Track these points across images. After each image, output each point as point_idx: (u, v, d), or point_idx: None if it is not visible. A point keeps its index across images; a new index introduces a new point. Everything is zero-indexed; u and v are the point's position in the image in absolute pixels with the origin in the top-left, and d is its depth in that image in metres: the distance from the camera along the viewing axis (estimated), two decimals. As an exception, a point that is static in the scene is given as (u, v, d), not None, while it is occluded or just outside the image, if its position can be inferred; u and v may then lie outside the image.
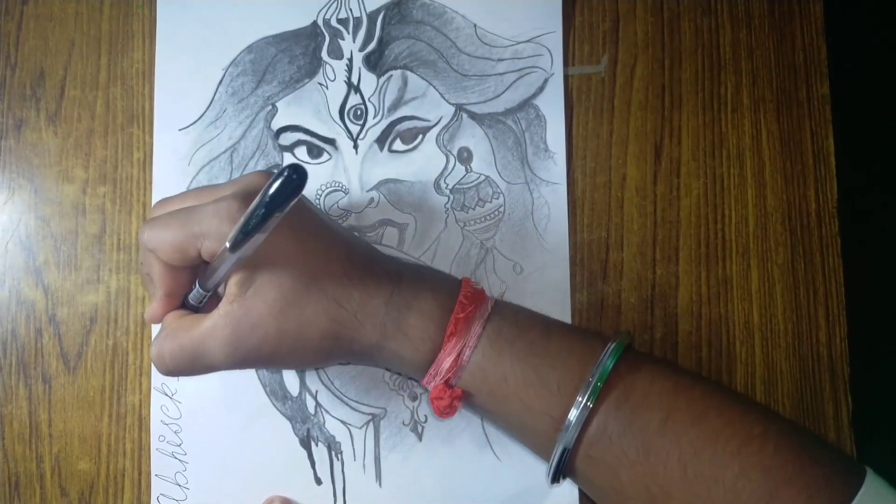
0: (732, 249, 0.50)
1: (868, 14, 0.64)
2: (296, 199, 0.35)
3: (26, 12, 0.51)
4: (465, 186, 0.50)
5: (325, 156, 0.50)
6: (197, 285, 0.40)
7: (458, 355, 0.38)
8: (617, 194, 0.50)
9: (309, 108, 0.50)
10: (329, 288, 0.38)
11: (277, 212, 0.35)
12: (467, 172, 0.50)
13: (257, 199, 0.34)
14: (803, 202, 0.50)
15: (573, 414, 0.37)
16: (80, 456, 0.49)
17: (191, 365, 0.39)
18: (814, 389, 0.49)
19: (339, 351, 0.40)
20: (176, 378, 0.48)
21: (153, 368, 0.49)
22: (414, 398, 0.49)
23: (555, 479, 0.39)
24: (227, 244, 0.35)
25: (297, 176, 0.34)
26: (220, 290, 0.40)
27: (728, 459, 0.35)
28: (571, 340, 0.40)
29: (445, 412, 0.39)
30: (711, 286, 0.50)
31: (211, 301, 0.41)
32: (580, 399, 0.37)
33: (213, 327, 0.38)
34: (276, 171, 0.36)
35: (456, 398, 0.39)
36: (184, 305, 0.41)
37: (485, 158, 0.50)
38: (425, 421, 0.49)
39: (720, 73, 0.51)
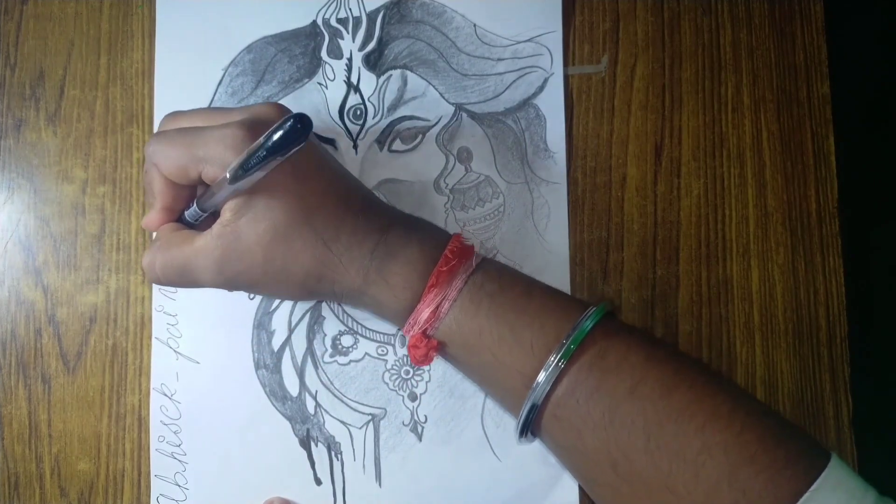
0: (733, 249, 0.50)
1: (868, 14, 0.64)
2: (298, 148, 0.36)
3: (26, 12, 0.51)
4: (465, 186, 0.50)
5: (325, 156, 0.50)
6: (195, 204, 0.41)
7: (437, 307, 0.39)
8: (617, 194, 0.50)
9: (308, 107, 0.50)
10: (320, 227, 0.39)
11: (279, 156, 0.36)
12: (467, 172, 0.50)
13: (260, 141, 0.35)
14: (803, 202, 0.50)
15: (543, 373, 0.37)
16: (79, 456, 0.49)
17: (178, 278, 0.41)
18: (814, 389, 0.49)
19: (320, 290, 0.41)
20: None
21: (153, 370, 0.49)
22: (414, 398, 0.49)
23: (522, 434, 0.39)
24: (227, 175, 0.36)
25: (301, 126, 0.35)
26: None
27: (692, 434, 0.36)
28: (552, 301, 0.40)
29: (421, 361, 0.40)
30: (712, 286, 0.50)
31: (207, 219, 0.42)
32: (552, 359, 0.37)
33: (203, 247, 0.39)
34: (287, 111, 0.39)
35: (432, 348, 0.40)
36: (180, 220, 0.42)
37: (484, 158, 0.50)
38: (425, 421, 0.49)
39: (720, 72, 0.51)
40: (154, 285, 0.49)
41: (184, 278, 0.40)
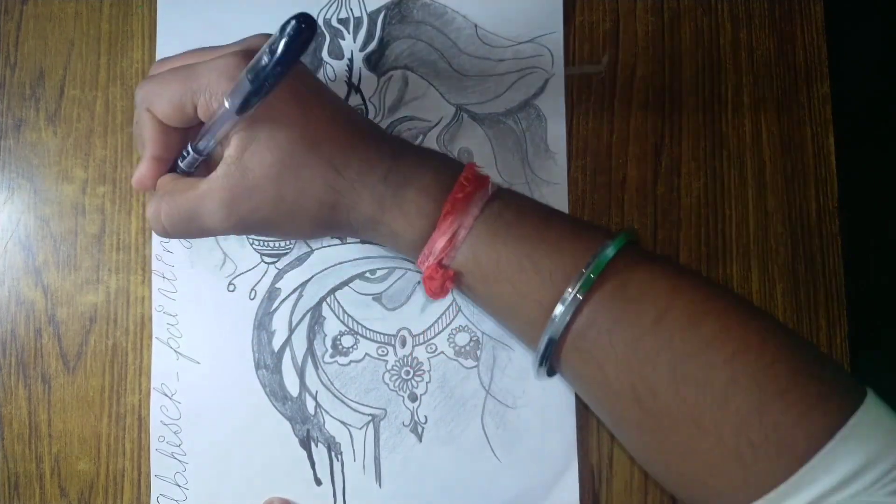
0: (732, 249, 0.50)
1: (868, 14, 0.64)
2: (305, 50, 0.33)
3: (26, 12, 0.51)
4: (466, 186, 0.50)
5: (325, 156, 0.50)
6: (189, 149, 0.39)
7: (453, 236, 0.37)
8: (617, 194, 0.50)
9: (309, 108, 0.50)
10: (329, 154, 0.38)
11: (286, 65, 0.33)
12: (467, 172, 0.50)
13: (264, 50, 0.33)
14: (803, 202, 0.50)
15: (561, 305, 0.36)
16: (79, 456, 0.49)
17: (185, 226, 0.39)
18: (814, 389, 0.49)
19: (335, 222, 0.39)
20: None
21: (153, 369, 0.49)
22: (414, 399, 0.49)
23: (541, 365, 0.38)
24: (227, 103, 0.35)
25: (306, 25, 0.32)
26: (216, 151, 0.39)
27: (720, 366, 0.34)
28: (572, 230, 0.38)
29: (437, 293, 0.39)
30: (712, 286, 0.50)
31: (201, 168, 0.40)
32: (570, 290, 0.36)
33: (210, 189, 0.38)
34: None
35: (448, 279, 0.38)
36: (173, 171, 0.41)
37: (485, 159, 0.50)
38: (425, 422, 0.49)
39: (720, 73, 0.51)
40: (154, 285, 0.49)
41: (191, 225, 0.39)
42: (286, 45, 0.32)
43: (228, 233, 0.40)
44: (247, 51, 0.37)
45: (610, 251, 0.36)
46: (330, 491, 0.48)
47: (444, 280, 0.38)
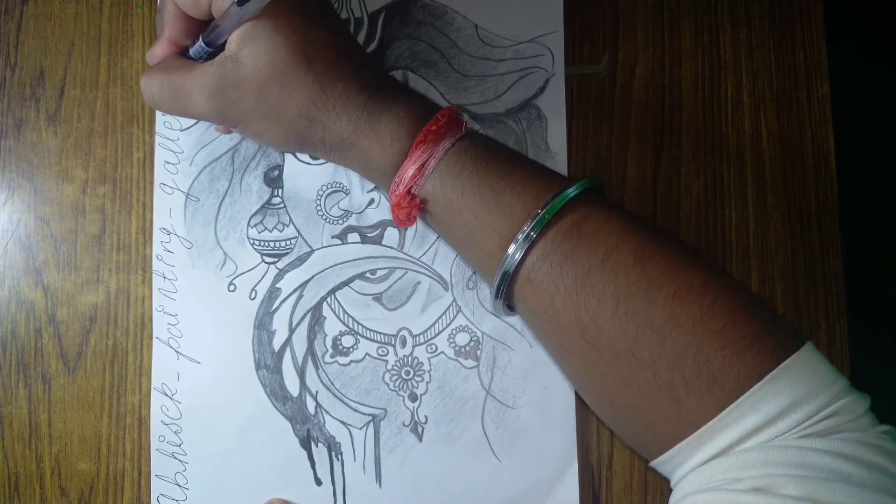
0: (732, 249, 0.50)
1: (868, 14, 0.64)
2: None
3: (26, 12, 0.51)
4: (466, 186, 0.50)
5: (326, 156, 0.50)
6: (200, 39, 0.41)
7: (423, 165, 0.39)
8: (617, 194, 0.50)
9: (309, 108, 0.50)
10: (318, 71, 0.39)
11: None
12: (468, 172, 0.50)
13: None
14: (803, 202, 0.50)
15: (515, 243, 0.38)
16: (79, 456, 0.49)
17: (171, 101, 0.41)
18: (814, 389, 0.49)
19: (309, 137, 0.41)
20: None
21: (153, 370, 0.49)
22: (414, 399, 0.49)
23: (497, 297, 0.40)
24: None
25: None
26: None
27: (661, 303, 0.36)
28: (535, 172, 0.40)
29: (404, 221, 0.41)
30: (712, 286, 0.50)
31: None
32: (525, 228, 0.37)
33: (201, 72, 0.40)
34: None
35: (415, 207, 0.40)
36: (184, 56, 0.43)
37: (485, 158, 0.50)
38: (425, 422, 0.49)
39: (720, 73, 0.51)
40: (154, 285, 0.49)
41: (177, 102, 0.41)
42: None
43: (209, 118, 0.41)
44: None
45: (570, 192, 0.38)
46: (330, 491, 0.48)
47: (412, 208, 0.40)
